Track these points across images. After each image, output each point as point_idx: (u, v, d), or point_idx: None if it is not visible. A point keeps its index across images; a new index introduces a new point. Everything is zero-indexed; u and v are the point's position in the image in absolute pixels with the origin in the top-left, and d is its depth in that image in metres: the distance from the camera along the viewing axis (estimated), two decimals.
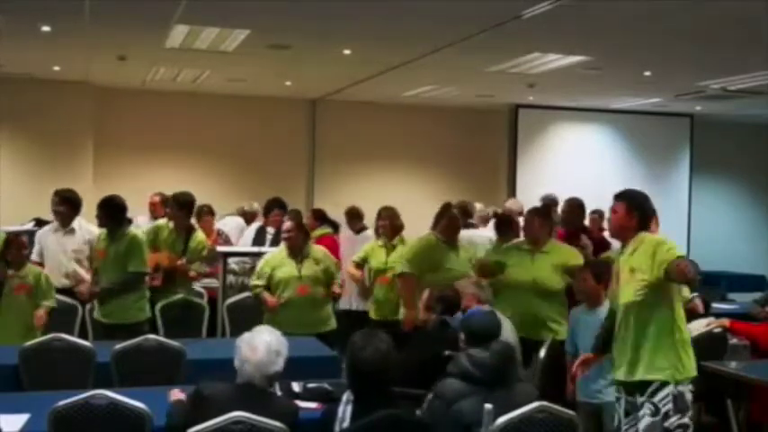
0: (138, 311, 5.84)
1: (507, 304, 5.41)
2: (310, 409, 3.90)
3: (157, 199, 8.27)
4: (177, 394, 3.71)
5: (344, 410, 3.38)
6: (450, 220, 6.31)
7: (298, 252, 6.13)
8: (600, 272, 4.88)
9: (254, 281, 6.22)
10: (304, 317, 5.97)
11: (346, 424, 3.34)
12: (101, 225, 5.98)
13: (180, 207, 6.60)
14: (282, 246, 6.30)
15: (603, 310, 4.61)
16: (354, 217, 8.35)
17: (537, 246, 5.78)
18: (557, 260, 5.70)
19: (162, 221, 6.87)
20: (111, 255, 5.85)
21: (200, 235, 6.72)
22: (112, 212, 5.92)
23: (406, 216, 10.25)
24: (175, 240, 6.54)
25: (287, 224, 6.34)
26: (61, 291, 6.36)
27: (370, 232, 8.41)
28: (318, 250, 6.31)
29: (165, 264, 6.37)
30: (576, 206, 7.12)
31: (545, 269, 5.65)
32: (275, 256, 6.23)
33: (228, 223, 8.73)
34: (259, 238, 7.86)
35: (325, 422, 3.46)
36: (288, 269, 6.07)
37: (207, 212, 8.17)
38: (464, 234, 7.20)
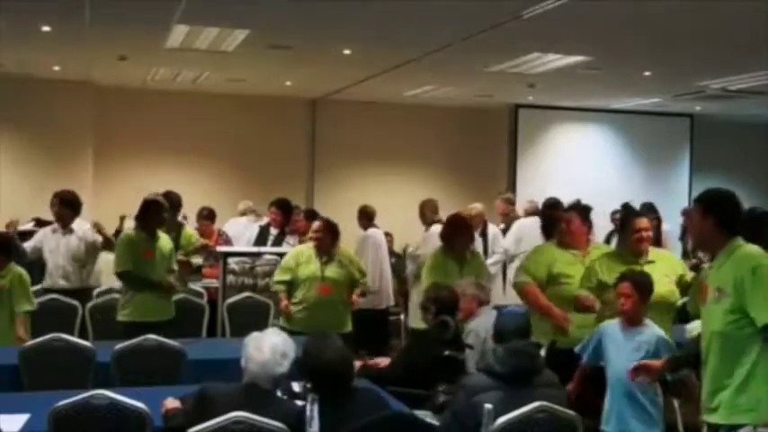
0: (173, 308, 6.04)
1: None
2: None
3: None
4: (170, 403, 3.67)
5: (312, 410, 3.38)
6: (569, 224, 5.23)
7: (324, 253, 6.14)
8: (642, 285, 4.24)
9: (278, 275, 6.19)
10: (320, 317, 5.97)
11: (316, 422, 3.34)
12: (152, 228, 6.01)
13: (169, 206, 6.66)
14: (310, 243, 6.30)
15: (644, 331, 4.15)
16: (364, 216, 8.38)
17: (641, 256, 4.81)
18: (667, 270, 4.77)
19: None
20: (157, 253, 5.98)
21: (188, 231, 6.95)
22: (160, 214, 6.06)
23: (405, 216, 10.23)
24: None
25: (316, 224, 6.38)
26: (61, 291, 6.38)
27: (377, 231, 8.43)
28: (346, 255, 6.33)
29: None
30: (548, 207, 6.93)
31: (661, 283, 4.57)
32: (303, 252, 6.22)
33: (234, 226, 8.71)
34: (261, 238, 7.85)
35: (299, 423, 3.46)
36: (312, 268, 6.08)
37: (205, 217, 8.15)
38: (433, 230, 7.22)
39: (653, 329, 4.21)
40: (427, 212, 7.89)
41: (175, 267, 6.24)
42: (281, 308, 6.09)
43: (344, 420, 3.30)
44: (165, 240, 6.12)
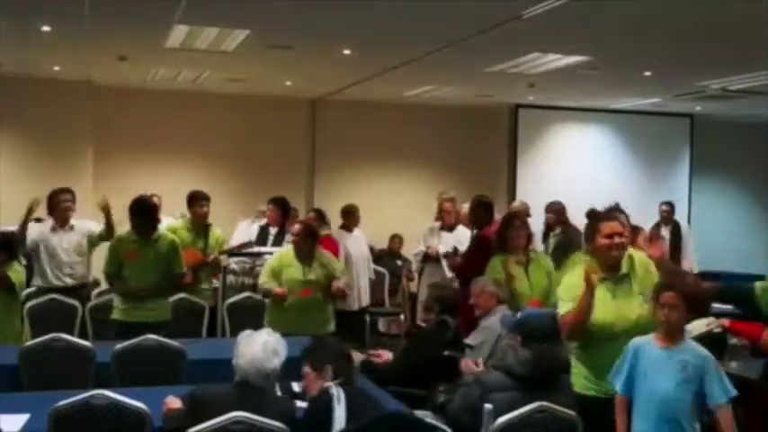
0: (169, 310, 5.96)
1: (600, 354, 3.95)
2: None
3: (155, 200, 8.24)
4: (172, 402, 3.67)
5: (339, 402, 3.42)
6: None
7: (305, 256, 6.12)
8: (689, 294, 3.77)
9: (263, 279, 6.16)
10: (305, 318, 5.98)
11: (342, 420, 3.35)
12: (139, 230, 5.88)
13: (201, 205, 6.85)
14: (290, 247, 6.30)
15: (687, 349, 3.72)
16: (348, 215, 8.39)
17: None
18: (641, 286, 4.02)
19: (176, 223, 7.01)
20: (148, 256, 5.83)
21: (217, 231, 6.98)
22: (152, 216, 5.96)
23: (404, 216, 10.20)
24: (195, 238, 6.68)
25: (295, 227, 6.38)
26: (62, 290, 6.38)
27: (357, 231, 8.44)
28: (325, 256, 6.30)
29: (190, 261, 6.43)
30: (477, 204, 6.88)
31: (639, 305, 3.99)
32: (284, 256, 6.22)
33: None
34: (261, 238, 7.85)
35: (314, 422, 3.47)
36: (294, 272, 6.07)
37: None
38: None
39: (695, 347, 3.80)
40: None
41: (183, 270, 6.07)
42: (277, 295, 6.00)
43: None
44: (165, 243, 5.93)
